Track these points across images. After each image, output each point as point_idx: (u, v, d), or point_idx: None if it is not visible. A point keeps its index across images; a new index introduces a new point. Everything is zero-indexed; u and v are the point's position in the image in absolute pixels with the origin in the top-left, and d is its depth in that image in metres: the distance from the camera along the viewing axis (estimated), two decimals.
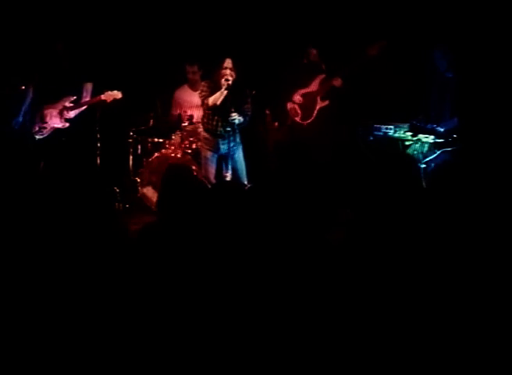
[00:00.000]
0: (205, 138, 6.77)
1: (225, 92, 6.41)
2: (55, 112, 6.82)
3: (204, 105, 6.65)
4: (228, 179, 6.58)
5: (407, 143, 6.33)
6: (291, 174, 6.10)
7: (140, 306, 3.12)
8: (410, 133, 6.30)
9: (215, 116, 6.61)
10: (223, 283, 3.19)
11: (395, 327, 3.04)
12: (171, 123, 7.43)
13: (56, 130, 6.86)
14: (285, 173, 6.34)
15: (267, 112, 7.70)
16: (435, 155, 6.19)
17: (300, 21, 7.48)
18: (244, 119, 6.62)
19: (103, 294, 3.15)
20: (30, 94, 6.49)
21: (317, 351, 2.98)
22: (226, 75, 6.41)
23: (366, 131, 6.54)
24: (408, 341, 2.99)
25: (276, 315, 3.06)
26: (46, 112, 6.80)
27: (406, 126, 6.36)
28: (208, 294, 3.14)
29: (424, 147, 6.25)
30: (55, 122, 6.83)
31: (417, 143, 6.27)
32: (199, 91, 6.75)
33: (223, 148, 6.61)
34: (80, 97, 6.91)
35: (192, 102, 7.38)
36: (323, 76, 7.22)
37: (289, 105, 7.32)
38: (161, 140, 7.40)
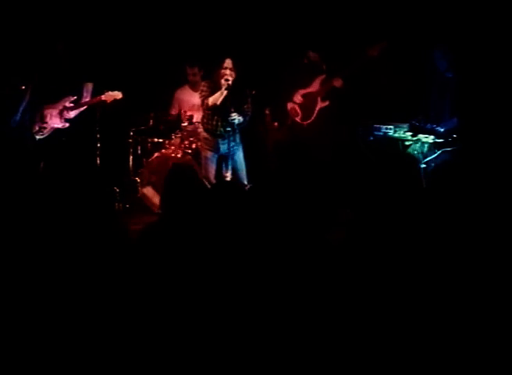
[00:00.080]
0: (205, 138, 6.78)
1: (225, 92, 6.41)
2: (55, 112, 6.81)
3: (204, 105, 6.65)
4: (228, 179, 6.58)
5: (407, 143, 6.33)
6: (291, 174, 6.10)
7: (140, 306, 3.12)
8: (410, 133, 6.30)
9: (215, 116, 6.61)
10: (223, 283, 3.19)
11: (395, 327, 3.04)
12: (171, 123, 7.44)
13: (56, 130, 6.85)
14: (285, 173, 6.34)
15: (267, 112, 7.70)
16: (435, 155, 6.19)
17: (301, 22, 7.47)
18: (244, 119, 6.62)
19: (103, 295, 3.15)
20: (29, 94, 6.48)
21: (317, 351, 2.98)
22: (226, 75, 6.42)
23: (366, 131, 6.54)
24: (408, 341, 2.99)
25: (276, 314, 3.06)
26: (46, 112, 6.79)
27: (406, 126, 6.36)
28: (208, 294, 3.14)
29: (424, 147, 6.25)
30: (55, 122, 6.82)
31: (417, 143, 6.27)
32: (199, 91, 6.75)
33: (223, 148, 6.61)
34: (80, 97, 6.90)
35: (192, 102, 7.39)
36: (324, 76, 7.22)
37: (290, 105, 7.33)
38: (161, 140, 7.40)
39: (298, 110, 7.31)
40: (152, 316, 3.08)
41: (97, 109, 6.99)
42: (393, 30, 7.09)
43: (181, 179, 3.81)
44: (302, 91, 7.28)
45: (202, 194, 3.76)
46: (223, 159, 6.69)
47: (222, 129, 6.60)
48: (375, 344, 2.99)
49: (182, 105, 7.53)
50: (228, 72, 6.43)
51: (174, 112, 7.55)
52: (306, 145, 7.18)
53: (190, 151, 7.24)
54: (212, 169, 6.70)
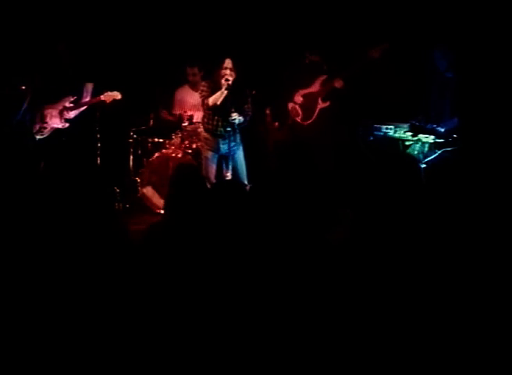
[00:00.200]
0: (205, 138, 6.77)
1: (226, 92, 6.41)
2: (54, 112, 6.81)
3: (204, 105, 6.65)
4: (228, 179, 6.58)
5: (407, 143, 6.33)
6: (291, 174, 6.10)
7: (141, 306, 3.12)
8: (411, 133, 6.30)
9: (215, 116, 6.61)
10: (223, 283, 3.19)
11: (395, 327, 3.04)
12: (171, 122, 7.45)
13: (56, 130, 6.86)
14: (285, 173, 6.33)
15: (267, 112, 7.70)
16: (435, 155, 6.19)
17: (302, 22, 7.47)
18: (244, 119, 6.62)
19: (103, 295, 3.15)
20: (29, 94, 6.48)
21: (317, 351, 2.98)
22: (226, 75, 6.41)
23: (366, 131, 6.53)
24: (408, 341, 2.99)
25: (277, 314, 3.06)
26: (46, 112, 6.79)
27: (406, 126, 6.36)
28: (209, 294, 3.14)
29: (424, 147, 6.24)
30: (54, 122, 6.82)
31: (417, 143, 6.27)
32: (199, 91, 6.75)
33: (223, 148, 6.61)
34: (80, 97, 6.91)
35: (192, 102, 7.39)
36: (324, 76, 7.22)
37: (290, 105, 7.33)
38: (161, 140, 7.41)
39: (299, 110, 7.31)
40: (153, 315, 3.08)
41: (97, 109, 6.99)
42: (393, 30, 7.09)
43: (187, 178, 3.81)
44: (303, 91, 7.28)
45: (208, 194, 3.77)
46: (223, 159, 6.69)
47: (222, 129, 6.60)
48: (375, 343, 2.99)
49: (182, 104, 7.53)
50: (228, 72, 6.43)
51: (175, 111, 7.55)
52: (306, 145, 7.18)
53: (190, 151, 7.24)
54: (212, 169, 6.69)
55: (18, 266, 3.29)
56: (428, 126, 6.28)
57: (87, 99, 6.95)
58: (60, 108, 6.83)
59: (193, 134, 7.24)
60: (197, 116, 7.22)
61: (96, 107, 6.98)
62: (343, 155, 7.16)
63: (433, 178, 5.73)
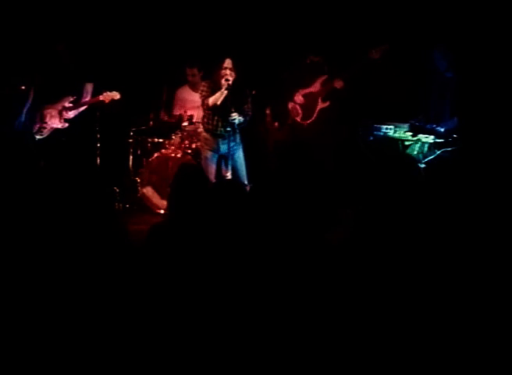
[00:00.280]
0: (205, 138, 6.77)
1: (226, 92, 6.41)
2: (54, 112, 6.81)
3: (204, 105, 6.65)
4: (228, 179, 6.58)
5: (407, 143, 6.33)
6: (291, 174, 6.10)
7: (141, 306, 3.12)
8: (410, 133, 6.30)
9: (215, 116, 6.61)
10: (224, 282, 3.19)
11: (395, 327, 3.04)
12: (171, 123, 7.45)
13: (56, 130, 6.86)
14: (285, 173, 6.33)
15: (267, 112, 7.70)
16: (435, 155, 6.19)
17: (302, 22, 7.47)
18: (244, 119, 6.62)
19: (103, 295, 3.15)
20: (31, 95, 6.47)
21: (317, 350, 2.98)
22: (226, 75, 6.42)
23: (366, 131, 6.53)
24: (408, 341, 2.99)
25: (277, 314, 3.06)
26: (46, 112, 6.79)
27: (406, 126, 6.37)
28: (210, 293, 3.14)
29: (424, 147, 6.25)
30: (54, 122, 6.82)
31: (417, 143, 6.27)
32: (199, 91, 6.75)
33: (223, 148, 6.61)
34: (79, 97, 6.91)
35: (192, 102, 7.39)
36: (325, 77, 7.22)
37: (291, 105, 7.33)
38: (160, 140, 7.41)
39: (299, 110, 7.31)
40: (154, 314, 3.08)
41: (97, 109, 6.99)
42: (393, 30, 7.09)
43: (190, 178, 3.81)
44: (303, 91, 7.28)
45: (210, 194, 3.77)
46: (223, 159, 6.69)
47: (222, 129, 6.60)
48: (375, 343, 2.99)
49: (182, 104, 7.53)
50: (228, 72, 6.43)
51: (175, 112, 7.55)
52: (306, 145, 7.19)
53: (190, 151, 7.24)
54: (212, 169, 6.69)
55: (18, 266, 3.29)
56: (428, 126, 6.28)
57: (87, 99, 6.95)
58: (59, 108, 6.83)
59: (192, 134, 7.24)
60: (197, 116, 7.21)
61: (95, 107, 6.98)
62: (343, 155, 7.16)
63: (433, 178, 5.73)
